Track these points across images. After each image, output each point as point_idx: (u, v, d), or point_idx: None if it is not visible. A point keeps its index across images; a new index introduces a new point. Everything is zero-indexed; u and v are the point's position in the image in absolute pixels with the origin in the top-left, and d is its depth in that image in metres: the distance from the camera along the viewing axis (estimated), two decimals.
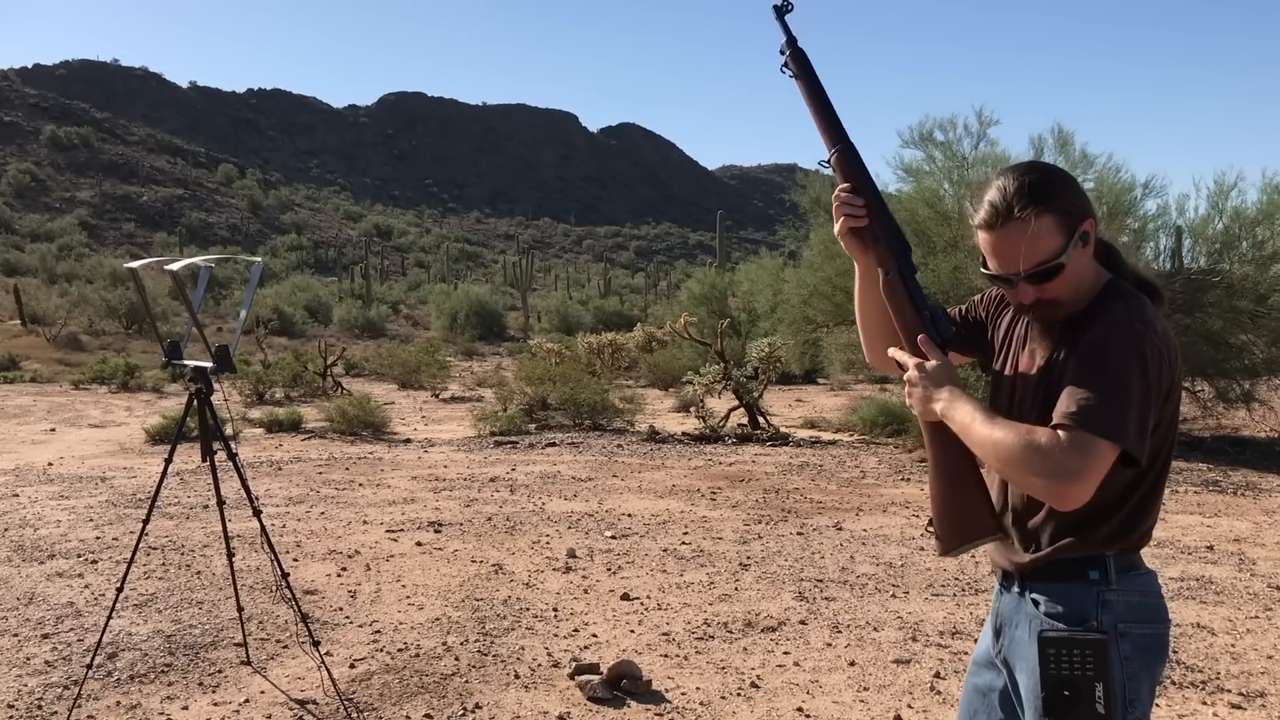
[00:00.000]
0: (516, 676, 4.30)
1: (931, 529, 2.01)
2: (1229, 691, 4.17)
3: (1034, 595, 1.90)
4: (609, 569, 6.07)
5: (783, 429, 13.03)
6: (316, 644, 4.14)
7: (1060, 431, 1.70)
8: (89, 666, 4.12)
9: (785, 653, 4.61)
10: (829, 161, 2.05)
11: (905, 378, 1.95)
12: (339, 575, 5.90)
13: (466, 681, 4.25)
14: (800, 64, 2.07)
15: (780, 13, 2.06)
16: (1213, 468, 10.04)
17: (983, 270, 1.90)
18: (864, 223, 2.03)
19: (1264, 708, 4.02)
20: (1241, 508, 8.16)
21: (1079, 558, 1.85)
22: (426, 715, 3.91)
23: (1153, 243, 11.79)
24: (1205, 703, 4.05)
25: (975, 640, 4.71)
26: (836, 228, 2.06)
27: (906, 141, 12.31)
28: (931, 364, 1.92)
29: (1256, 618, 5.19)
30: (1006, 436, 1.74)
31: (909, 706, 4.01)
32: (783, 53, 2.08)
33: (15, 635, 4.80)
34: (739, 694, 4.13)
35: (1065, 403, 1.73)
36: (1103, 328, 1.77)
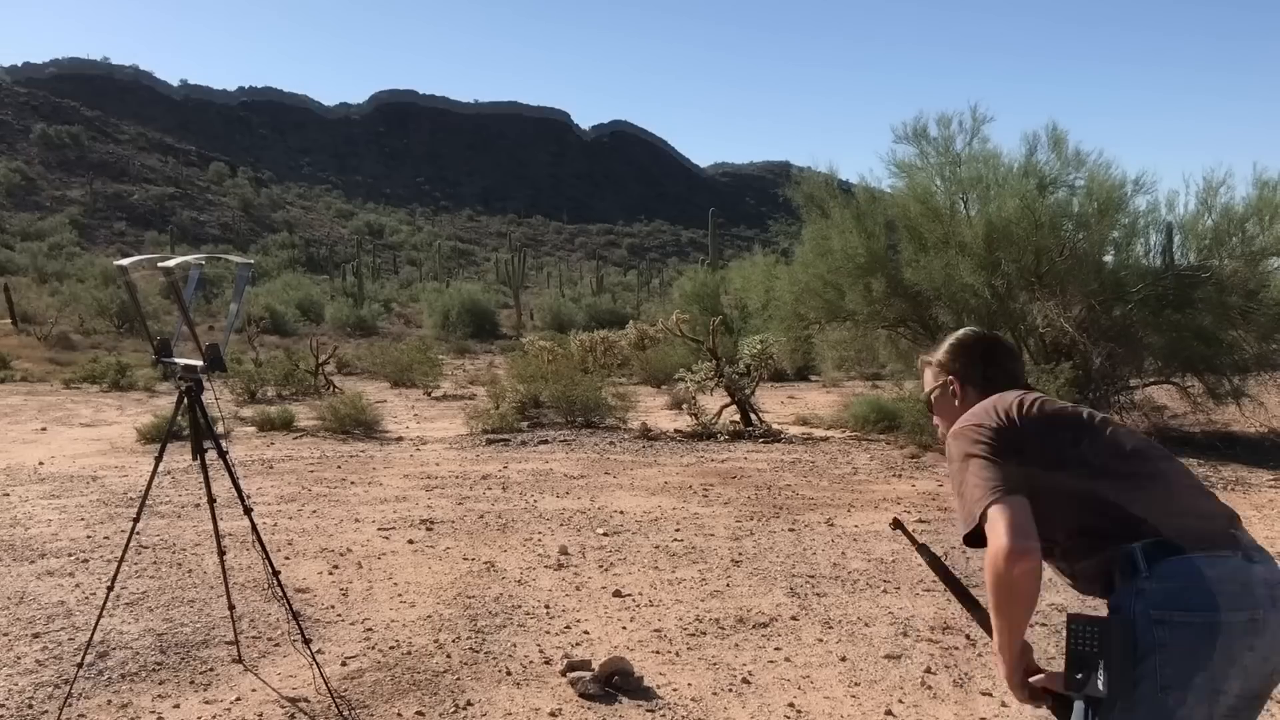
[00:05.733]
0: (508, 674, 4.30)
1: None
2: None
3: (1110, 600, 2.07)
4: (601, 566, 6.08)
5: (775, 426, 13.04)
6: (308, 642, 4.13)
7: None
8: (80, 665, 4.12)
9: (777, 649, 4.62)
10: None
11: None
12: (331, 573, 5.90)
13: (458, 679, 4.25)
14: (936, 565, 2.48)
15: (898, 525, 2.74)
16: (1203, 463, 10.07)
17: None
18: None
19: None
20: (1232, 503, 8.13)
21: (1109, 563, 2.02)
22: (418, 713, 3.91)
23: (1143, 239, 11.82)
24: None
25: (966, 635, 4.73)
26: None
27: (900, 137, 12.34)
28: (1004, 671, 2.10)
29: None
30: (989, 596, 1.99)
31: (900, 701, 4.02)
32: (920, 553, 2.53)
33: (5, 635, 4.79)
34: (730, 690, 4.13)
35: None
36: None
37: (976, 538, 2.02)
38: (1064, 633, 1.96)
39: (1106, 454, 2.10)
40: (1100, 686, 1.85)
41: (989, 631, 2.17)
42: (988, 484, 2.00)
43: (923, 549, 2.46)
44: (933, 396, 2.54)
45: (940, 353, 2.54)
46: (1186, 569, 1.91)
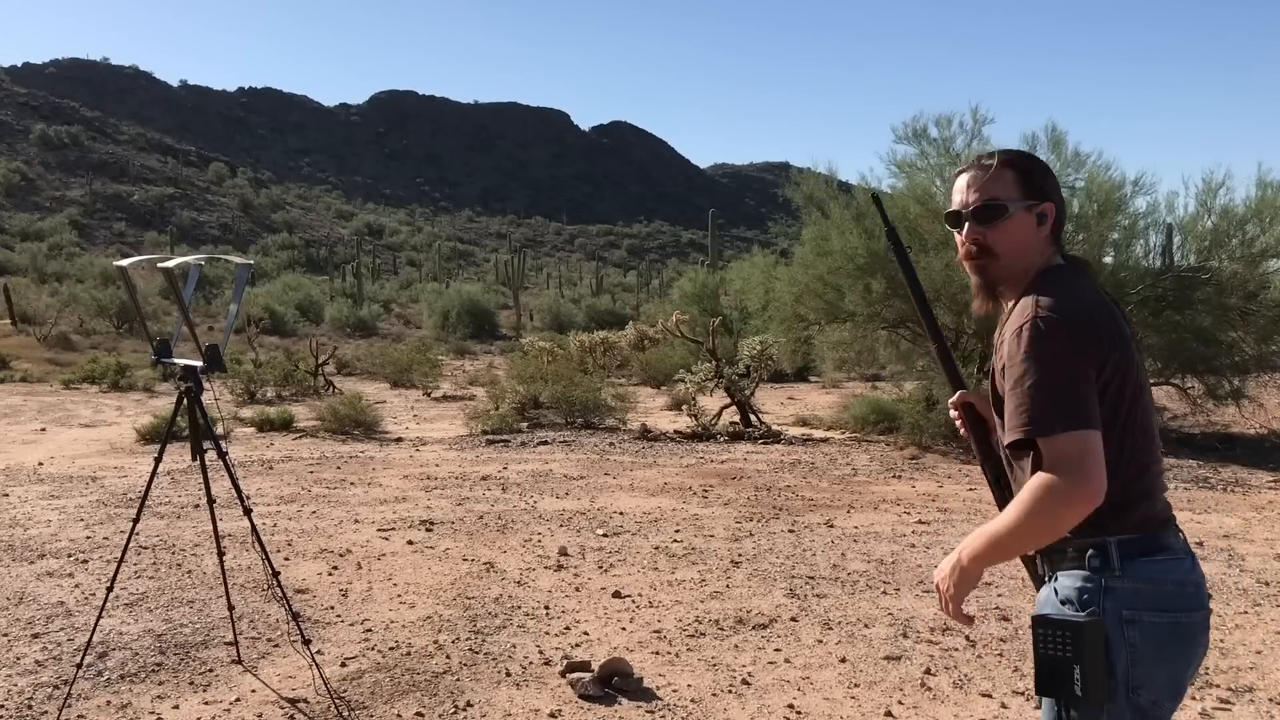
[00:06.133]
0: (508, 674, 4.30)
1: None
2: (1218, 687, 4.18)
3: (1055, 583, 1.95)
4: (600, 567, 6.08)
5: (774, 427, 13.04)
6: (308, 643, 4.13)
7: (1037, 475, 1.81)
8: (79, 666, 4.11)
9: (776, 650, 4.62)
10: (930, 352, 2.20)
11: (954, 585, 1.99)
12: (330, 574, 5.90)
13: (458, 680, 4.25)
14: (900, 251, 2.26)
15: (877, 200, 2.39)
16: (1202, 464, 10.07)
17: (945, 215, 2.08)
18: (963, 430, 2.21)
19: (1252, 703, 4.04)
20: (1231, 504, 8.19)
21: (1084, 545, 1.89)
22: (418, 714, 3.91)
23: (1143, 240, 11.82)
24: (1194, 698, 4.06)
25: (966, 636, 4.73)
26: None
27: (900, 137, 12.33)
28: (946, 578, 1.99)
29: (1245, 613, 5.21)
30: (1014, 515, 1.83)
31: (899, 703, 4.01)
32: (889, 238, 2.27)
33: (5, 635, 4.79)
34: (730, 691, 4.13)
35: (1011, 421, 1.85)
36: (1012, 325, 1.89)
37: (1023, 444, 1.86)
38: (1030, 635, 1.89)
39: (1138, 425, 1.93)
40: (1077, 691, 1.82)
41: (943, 362, 2.15)
42: (1081, 405, 1.79)
43: (890, 232, 2.24)
44: (1002, 219, 1.98)
45: (1035, 164, 2.03)
46: (1155, 570, 1.90)
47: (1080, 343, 1.83)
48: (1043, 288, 1.91)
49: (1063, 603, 1.90)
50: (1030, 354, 1.82)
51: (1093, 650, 1.82)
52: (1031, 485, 1.80)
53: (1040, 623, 1.87)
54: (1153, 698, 1.85)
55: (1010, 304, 2.00)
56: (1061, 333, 1.81)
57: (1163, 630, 1.87)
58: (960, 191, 2.04)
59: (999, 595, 5.37)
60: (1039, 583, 2.04)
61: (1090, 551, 1.89)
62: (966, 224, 2.02)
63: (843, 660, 4.48)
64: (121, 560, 4.13)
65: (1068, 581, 1.92)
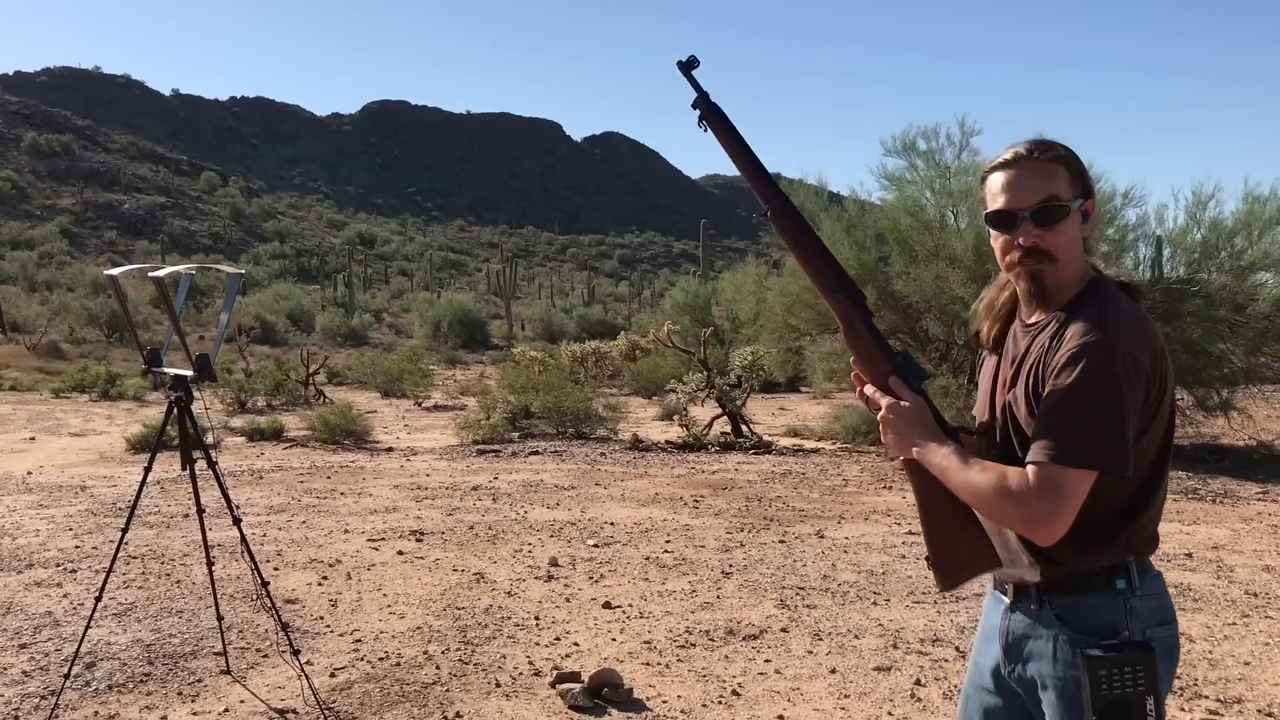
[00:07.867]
0: (498, 685, 4.29)
1: (929, 564, 1.99)
2: (1207, 698, 4.19)
3: (1057, 612, 1.85)
4: (591, 577, 6.07)
5: (765, 437, 13.04)
6: (297, 653, 4.12)
7: (1031, 470, 1.72)
8: (67, 676, 4.09)
9: (766, 660, 4.62)
10: (765, 215, 2.03)
11: (879, 418, 1.94)
12: (320, 584, 5.88)
13: (447, 690, 4.24)
14: (716, 119, 2.03)
15: (687, 68, 2.01)
16: (1191, 476, 10.10)
17: (986, 213, 1.89)
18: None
19: (1241, 714, 4.05)
20: (1220, 515, 8.21)
21: (1102, 568, 1.82)
22: None
23: (1133, 252, 11.86)
24: (1183, 709, 4.07)
25: (956, 647, 4.73)
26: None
27: (889, 150, 12.37)
28: (905, 404, 1.91)
29: (1234, 624, 5.23)
30: (981, 481, 1.77)
31: (889, 714, 4.02)
32: (695, 107, 2.03)
33: None
34: (720, 702, 4.13)
35: (1037, 434, 1.75)
36: (1073, 341, 1.76)
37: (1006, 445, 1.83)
38: (1084, 678, 1.75)
39: (1167, 438, 1.87)
40: None
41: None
42: (1115, 445, 1.71)
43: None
44: (1062, 220, 1.82)
45: (1079, 164, 1.86)
46: (1160, 584, 1.87)
47: (1143, 374, 1.74)
48: (1109, 307, 1.80)
49: (1081, 631, 1.81)
50: (1097, 373, 1.71)
51: (1159, 678, 1.76)
52: (1013, 482, 1.73)
53: (1103, 664, 1.74)
54: (1164, 712, 1.82)
55: (1035, 310, 1.92)
56: (1133, 361, 1.73)
57: (1169, 643, 1.84)
58: (1006, 190, 1.85)
59: None
60: (1015, 608, 1.94)
61: (1116, 575, 1.81)
62: (1021, 226, 1.83)
63: (833, 671, 4.48)
64: (110, 570, 4.13)
65: (1082, 609, 1.83)
